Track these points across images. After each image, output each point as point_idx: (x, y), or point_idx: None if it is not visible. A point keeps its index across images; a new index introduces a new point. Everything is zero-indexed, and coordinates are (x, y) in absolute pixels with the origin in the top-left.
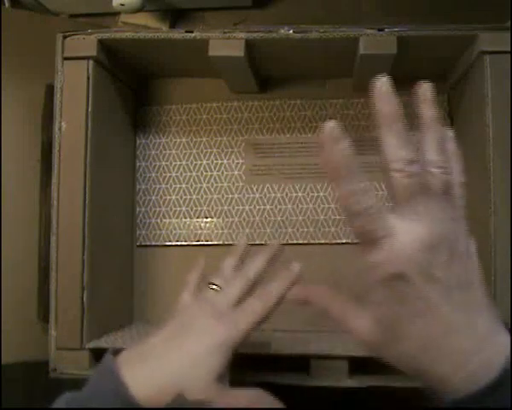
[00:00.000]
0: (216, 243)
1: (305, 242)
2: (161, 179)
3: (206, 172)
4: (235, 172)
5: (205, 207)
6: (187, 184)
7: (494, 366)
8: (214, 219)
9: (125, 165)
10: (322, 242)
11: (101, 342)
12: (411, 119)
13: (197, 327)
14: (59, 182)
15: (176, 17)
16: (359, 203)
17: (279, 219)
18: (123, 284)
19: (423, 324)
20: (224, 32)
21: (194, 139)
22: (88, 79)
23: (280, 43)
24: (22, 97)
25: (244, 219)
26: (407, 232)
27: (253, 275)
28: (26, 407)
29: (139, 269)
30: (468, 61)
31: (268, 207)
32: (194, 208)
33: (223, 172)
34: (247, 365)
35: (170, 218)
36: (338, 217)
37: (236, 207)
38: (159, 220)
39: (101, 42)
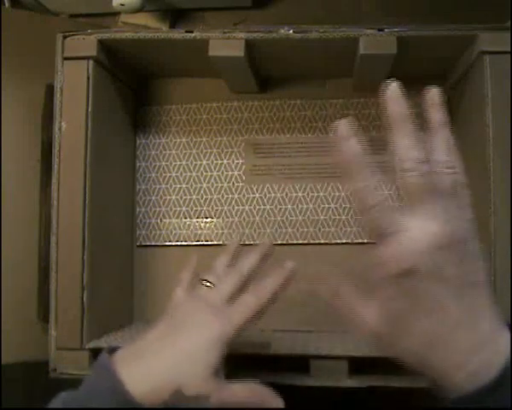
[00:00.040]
0: (216, 243)
1: (305, 242)
2: (161, 179)
3: (206, 172)
4: (235, 173)
5: (205, 208)
6: (187, 184)
7: (494, 366)
8: (214, 220)
9: (125, 165)
10: (322, 242)
11: (102, 342)
12: (411, 119)
13: (192, 323)
14: (59, 182)
15: (176, 17)
16: (373, 197)
17: (279, 219)
18: (123, 284)
19: (430, 321)
20: (224, 32)
21: (194, 139)
22: (88, 79)
23: (280, 43)
24: (22, 97)
25: (244, 220)
26: (420, 229)
27: (245, 272)
28: (26, 407)
29: (139, 269)
30: (468, 61)
31: (268, 207)
32: (195, 208)
33: (223, 173)
34: (247, 365)
35: (170, 218)
36: (338, 217)
37: (236, 208)
38: (159, 220)
39: (101, 42)
